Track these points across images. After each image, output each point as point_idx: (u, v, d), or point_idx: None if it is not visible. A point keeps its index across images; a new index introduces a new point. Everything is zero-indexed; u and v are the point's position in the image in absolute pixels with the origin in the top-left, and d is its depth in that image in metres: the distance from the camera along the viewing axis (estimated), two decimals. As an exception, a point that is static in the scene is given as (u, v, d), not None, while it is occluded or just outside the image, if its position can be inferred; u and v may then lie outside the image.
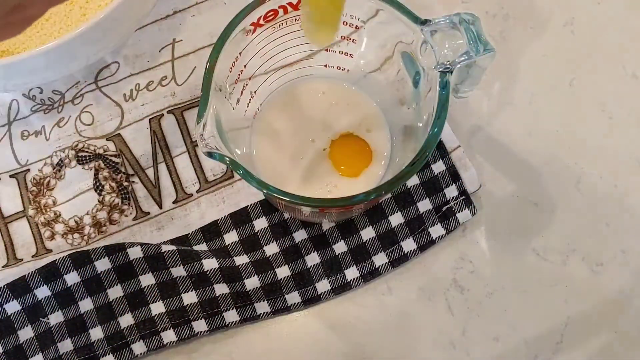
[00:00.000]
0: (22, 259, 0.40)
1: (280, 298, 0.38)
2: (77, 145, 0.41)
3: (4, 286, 0.38)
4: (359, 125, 0.39)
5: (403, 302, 0.39)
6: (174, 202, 0.40)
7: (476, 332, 0.38)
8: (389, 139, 0.38)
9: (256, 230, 0.39)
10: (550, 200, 0.41)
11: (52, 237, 0.40)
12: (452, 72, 0.30)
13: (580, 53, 0.43)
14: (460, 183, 0.40)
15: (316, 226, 0.39)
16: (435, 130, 0.30)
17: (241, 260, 0.39)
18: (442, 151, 0.40)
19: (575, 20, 0.44)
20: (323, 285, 0.39)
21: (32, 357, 0.38)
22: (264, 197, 0.40)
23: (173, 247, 0.39)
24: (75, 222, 0.40)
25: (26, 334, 0.38)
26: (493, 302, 0.39)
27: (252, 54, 0.34)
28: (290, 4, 0.32)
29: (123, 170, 0.41)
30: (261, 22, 0.32)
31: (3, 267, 0.39)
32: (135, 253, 0.38)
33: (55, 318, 0.38)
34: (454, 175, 0.40)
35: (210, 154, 0.29)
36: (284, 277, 0.39)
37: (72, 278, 0.38)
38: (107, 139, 0.41)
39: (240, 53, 0.33)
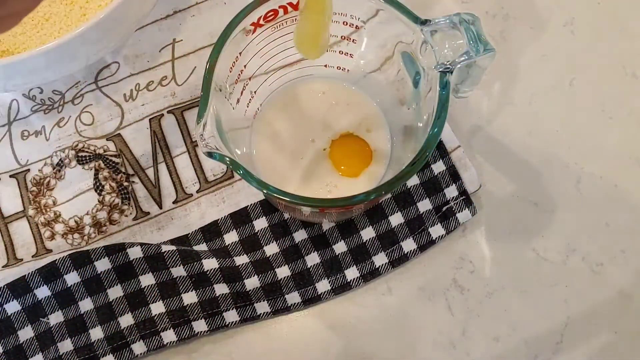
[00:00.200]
0: (22, 259, 0.40)
1: (280, 298, 0.38)
2: (77, 145, 0.41)
3: (4, 286, 0.38)
4: (359, 125, 0.39)
5: (403, 302, 0.39)
6: (174, 202, 0.40)
7: (476, 332, 0.38)
8: (389, 139, 0.38)
9: (256, 230, 0.39)
10: (550, 200, 0.41)
11: (52, 237, 0.40)
12: (452, 72, 0.30)
13: (580, 53, 0.43)
14: (460, 183, 0.40)
15: (316, 226, 0.40)
16: (435, 130, 0.30)
17: (241, 260, 0.39)
18: (442, 151, 0.40)
19: (575, 20, 0.44)
20: (323, 285, 0.39)
21: (32, 357, 0.38)
22: (264, 197, 0.40)
23: (173, 247, 0.39)
24: (75, 222, 0.40)
25: (26, 334, 0.38)
26: (493, 302, 0.39)
27: (252, 54, 0.34)
28: (290, 4, 0.32)
29: (123, 170, 0.41)
30: (261, 22, 0.32)
31: (3, 267, 0.39)
32: (135, 253, 0.38)
33: (55, 318, 0.38)
34: (454, 175, 0.40)
35: (210, 154, 0.29)
36: (284, 277, 0.39)
37: (72, 278, 0.38)
38: (107, 139, 0.41)
39: (240, 53, 0.33)
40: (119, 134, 0.41)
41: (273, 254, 0.39)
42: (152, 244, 0.38)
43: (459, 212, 0.39)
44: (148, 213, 0.40)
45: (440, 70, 0.30)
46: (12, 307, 0.38)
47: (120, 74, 0.42)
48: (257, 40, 0.33)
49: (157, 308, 0.38)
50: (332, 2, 0.30)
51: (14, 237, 0.40)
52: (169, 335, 0.37)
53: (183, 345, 0.38)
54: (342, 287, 0.39)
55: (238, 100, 0.36)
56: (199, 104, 0.29)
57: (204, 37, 0.43)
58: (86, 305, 0.38)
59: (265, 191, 0.29)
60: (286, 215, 0.40)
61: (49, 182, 0.41)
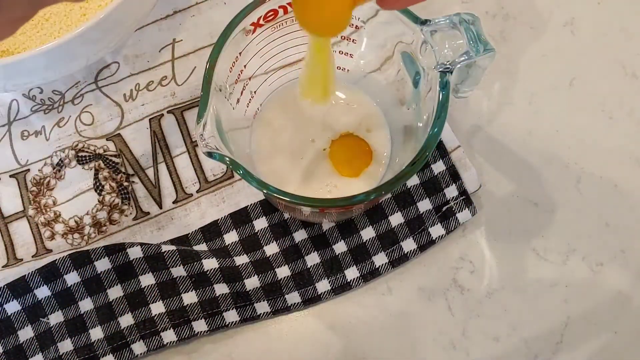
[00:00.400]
0: (22, 259, 0.40)
1: (280, 298, 0.38)
2: (77, 145, 0.41)
3: (4, 286, 0.38)
4: (358, 125, 0.39)
5: (403, 302, 0.39)
6: (174, 202, 0.40)
7: (476, 332, 0.38)
8: (389, 139, 0.38)
9: (256, 230, 0.39)
10: (550, 200, 0.41)
11: (52, 237, 0.40)
12: (452, 72, 0.30)
13: (580, 53, 0.43)
14: (460, 183, 0.40)
15: (316, 226, 0.40)
16: (435, 130, 0.30)
17: (241, 260, 0.39)
18: (442, 151, 0.40)
19: (575, 20, 0.44)
20: (323, 285, 0.39)
21: (32, 357, 0.38)
22: (264, 197, 0.40)
23: (173, 247, 0.39)
24: (75, 222, 0.40)
25: (26, 334, 0.38)
26: (493, 302, 0.39)
27: (252, 54, 0.34)
28: (290, 4, 0.32)
29: (123, 170, 0.41)
30: (261, 22, 0.32)
31: (3, 267, 0.39)
32: (135, 253, 0.38)
33: (55, 318, 0.38)
34: (454, 175, 0.40)
35: (210, 154, 0.29)
36: (284, 277, 0.39)
37: (72, 278, 0.38)
38: (107, 139, 0.41)
39: (240, 53, 0.33)
40: (119, 134, 0.41)
41: (273, 254, 0.39)
42: (152, 244, 0.38)
43: (459, 212, 0.39)
44: (148, 213, 0.40)
45: (440, 70, 0.30)
46: (12, 307, 0.38)
47: (120, 74, 0.42)
48: (257, 40, 0.33)
49: (157, 308, 0.38)
50: (333, 54, 0.30)
51: (14, 237, 0.40)
52: (169, 335, 0.37)
53: (183, 345, 0.38)
54: (342, 287, 0.39)
55: (238, 100, 0.36)
56: (199, 104, 0.29)
57: (204, 37, 0.43)
58: (86, 305, 0.38)
59: (265, 191, 0.29)
60: (286, 215, 0.40)
61: (49, 182, 0.41)
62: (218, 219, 0.40)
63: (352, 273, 0.39)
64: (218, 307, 0.38)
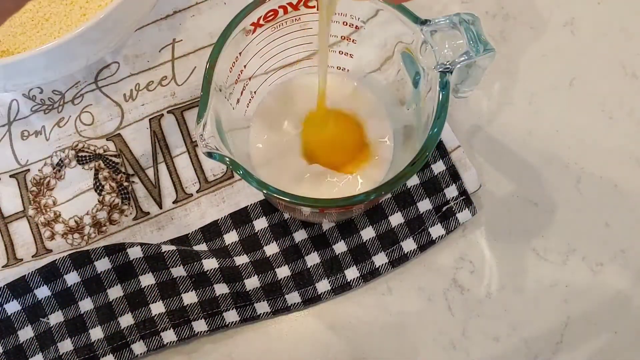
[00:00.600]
0: (22, 259, 0.40)
1: (280, 298, 0.38)
2: (77, 145, 0.41)
3: (4, 286, 0.38)
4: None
5: (403, 302, 0.39)
6: (174, 202, 0.40)
7: (476, 332, 0.38)
8: (391, 139, 0.38)
9: (256, 230, 0.39)
10: (550, 200, 0.41)
11: (52, 237, 0.40)
12: (452, 72, 0.30)
13: (580, 53, 0.43)
14: (460, 183, 0.40)
15: (316, 226, 0.39)
16: (435, 130, 0.30)
17: (241, 260, 0.39)
18: (442, 151, 0.40)
19: (575, 20, 0.44)
20: (323, 285, 0.39)
21: (32, 357, 0.38)
22: (264, 197, 0.40)
23: (173, 247, 0.39)
24: (75, 222, 0.40)
25: (26, 334, 0.38)
26: (493, 302, 0.39)
27: (252, 54, 0.34)
28: (290, 4, 0.32)
29: (123, 170, 0.41)
30: (261, 22, 0.32)
31: (3, 267, 0.39)
32: (135, 253, 0.38)
33: (55, 318, 0.38)
34: (454, 175, 0.40)
35: (210, 154, 0.29)
36: (284, 277, 0.39)
37: (72, 278, 0.38)
38: (107, 139, 0.41)
39: (240, 53, 0.33)
40: (119, 134, 0.41)
41: (273, 254, 0.39)
42: (152, 244, 0.38)
43: (459, 212, 0.39)
44: (148, 213, 0.40)
45: (440, 70, 0.30)
46: (12, 307, 0.38)
47: (120, 74, 0.42)
48: (257, 40, 0.33)
49: (157, 308, 0.38)
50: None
51: (14, 237, 0.40)
52: (169, 335, 0.37)
53: (183, 345, 0.38)
54: (342, 287, 0.39)
55: (238, 100, 0.36)
56: (199, 104, 0.29)
57: (204, 37, 0.43)
58: (86, 305, 0.38)
59: (265, 191, 0.29)
60: (286, 215, 0.40)
61: (49, 182, 0.41)
62: (218, 219, 0.40)
63: (352, 273, 0.39)
64: (218, 307, 0.38)
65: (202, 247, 0.39)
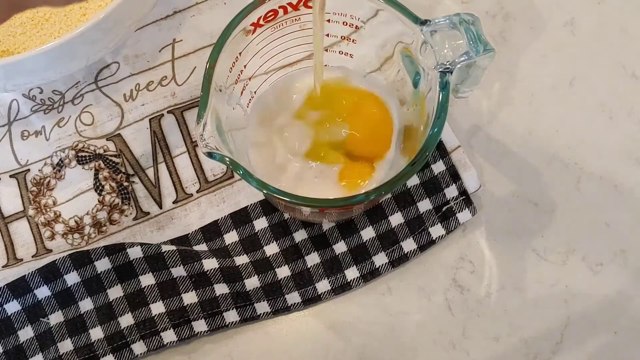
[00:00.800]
0: (22, 259, 0.40)
1: (280, 298, 0.38)
2: (77, 145, 0.41)
3: (4, 286, 0.38)
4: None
5: (403, 302, 0.39)
6: (174, 202, 0.40)
7: (476, 332, 0.38)
8: (393, 139, 0.38)
9: (256, 230, 0.39)
10: (550, 200, 0.41)
11: (52, 237, 0.40)
12: (452, 73, 0.30)
13: (580, 53, 0.43)
14: (460, 183, 0.40)
15: (316, 226, 0.40)
16: (435, 130, 0.30)
17: (241, 260, 0.39)
18: (442, 151, 0.40)
19: (575, 20, 0.44)
20: (323, 285, 0.39)
21: (32, 357, 0.38)
22: (264, 197, 0.40)
23: (173, 247, 0.39)
24: (75, 222, 0.40)
25: (26, 334, 0.38)
26: (493, 302, 0.39)
27: (252, 54, 0.34)
28: (290, 4, 0.32)
29: (123, 170, 0.41)
30: (261, 22, 0.32)
31: (3, 267, 0.39)
32: (135, 253, 0.38)
33: (55, 318, 0.38)
34: (454, 175, 0.40)
35: (210, 154, 0.29)
36: (284, 277, 0.39)
37: (72, 278, 0.38)
38: (107, 139, 0.41)
39: (240, 53, 0.33)
40: (119, 134, 0.41)
41: (273, 254, 0.39)
42: (152, 244, 0.38)
43: (459, 212, 0.39)
44: (148, 213, 0.40)
45: (440, 70, 0.30)
46: (12, 307, 0.38)
47: (120, 74, 0.42)
48: (257, 40, 0.33)
49: (157, 308, 0.38)
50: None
51: (14, 237, 0.40)
52: (169, 335, 0.37)
53: (183, 345, 0.38)
54: (342, 287, 0.39)
55: (238, 101, 0.36)
56: (199, 104, 0.29)
57: (204, 37, 0.43)
58: (86, 305, 0.38)
59: (265, 191, 0.29)
60: (286, 215, 0.40)
61: (49, 182, 0.41)
62: (218, 219, 0.40)
63: (352, 273, 0.39)
64: (218, 307, 0.38)
65: (202, 247, 0.39)
